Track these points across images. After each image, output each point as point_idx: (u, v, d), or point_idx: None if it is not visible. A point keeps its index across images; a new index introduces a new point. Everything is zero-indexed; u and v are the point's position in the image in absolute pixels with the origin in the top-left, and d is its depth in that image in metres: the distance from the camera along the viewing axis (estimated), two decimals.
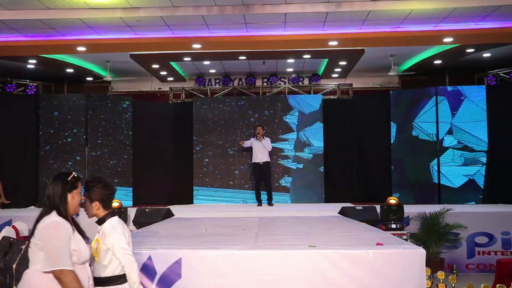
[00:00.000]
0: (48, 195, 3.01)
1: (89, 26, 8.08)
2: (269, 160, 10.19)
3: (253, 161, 10.20)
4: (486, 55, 10.47)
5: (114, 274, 3.24)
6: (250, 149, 10.50)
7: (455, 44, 9.33)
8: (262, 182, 10.18)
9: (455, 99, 10.30)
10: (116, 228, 3.30)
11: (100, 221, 3.37)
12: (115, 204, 7.90)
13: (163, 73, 11.91)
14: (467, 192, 10.03)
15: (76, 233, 3.00)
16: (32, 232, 2.95)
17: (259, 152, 10.03)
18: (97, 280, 3.22)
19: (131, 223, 7.85)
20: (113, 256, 3.23)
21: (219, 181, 11.13)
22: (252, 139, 10.28)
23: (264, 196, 10.21)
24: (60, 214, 2.96)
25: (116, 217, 3.40)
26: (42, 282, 2.85)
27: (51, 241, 2.86)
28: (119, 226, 3.33)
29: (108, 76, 11.30)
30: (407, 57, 10.89)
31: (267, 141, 10.10)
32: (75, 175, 3.11)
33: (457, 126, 10.23)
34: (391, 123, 10.70)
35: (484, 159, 10.07)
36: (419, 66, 11.23)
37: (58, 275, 2.82)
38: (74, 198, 3.07)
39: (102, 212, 3.37)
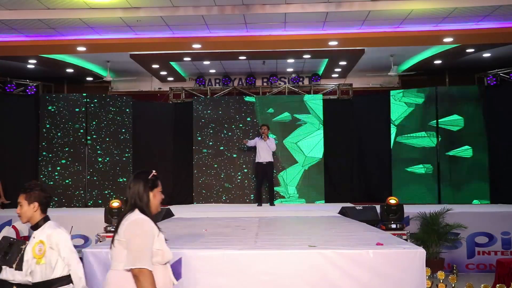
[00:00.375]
0: (130, 194, 2.95)
1: (89, 26, 8.08)
2: (273, 160, 10.17)
3: (256, 160, 10.18)
4: (486, 55, 10.47)
5: (62, 275, 3.25)
6: (250, 149, 10.50)
7: (455, 44, 9.32)
8: (265, 181, 10.16)
9: None
10: (60, 228, 3.35)
11: (36, 226, 3.35)
12: (115, 204, 7.89)
13: (163, 73, 11.90)
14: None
15: (160, 233, 2.92)
16: (115, 230, 2.88)
17: (263, 151, 10.00)
18: (44, 284, 3.20)
19: None
20: (59, 257, 3.25)
21: (219, 180, 11.12)
22: (256, 138, 10.24)
23: (265, 195, 10.21)
24: (143, 213, 2.90)
25: (52, 220, 3.42)
26: (127, 281, 2.76)
27: (135, 238, 2.77)
28: (61, 227, 3.37)
29: (108, 76, 11.30)
30: (407, 57, 10.89)
31: (271, 141, 10.07)
32: (155, 173, 3.05)
33: None
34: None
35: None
36: (419, 66, 11.23)
37: (136, 273, 2.72)
38: (155, 196, 3.01)
39: (38, 216, 3.35)
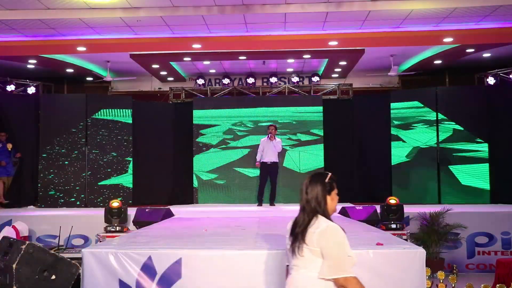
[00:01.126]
0: (308, 199, 2.83)
1: (89, 26, 8.08)
2: (277, 161, 10.10)
3: (261, 160, 10.11)
4: (486, 55, 10.47)
5: None
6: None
7: (455, 44, 9.33)
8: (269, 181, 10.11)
9: None
10: None
11: None
12: (115, 204, 7.91)
13: (163, 73, 11.91)
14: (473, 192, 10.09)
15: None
16: (298, 238, 2.77)
17: (268, 151, 9.92)
18: None
19: (131, 223, 7.86)
20: None
21: (220, 180, 11.12)
22: (262, 139, 10.17)
23: (266, 194, 10.17)
24: (326, 217, 2.82)
25: None
26: (316, 286, 2.71)
27: (333, 247, 2.70)
28: None
29: (108, 76, 11.30)
30: (407, 57, 10.89)
31: (278, 142, 10.00)
32: (332, 176, 2.92)
33: None
34: None
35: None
36: (419, 66, 11.23)
37: (342, 283, 2.66)
38: (333, 199, 2.89)
39: None
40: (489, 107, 10.23)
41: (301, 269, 2.77)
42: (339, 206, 8.28)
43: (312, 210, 2.81)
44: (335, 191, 2.90)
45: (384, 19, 7.94)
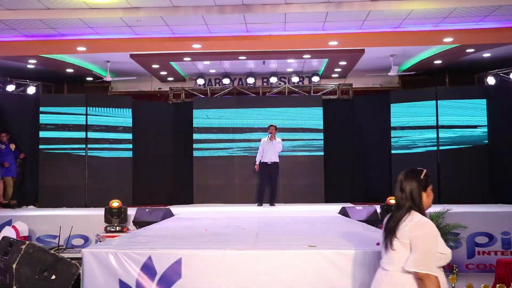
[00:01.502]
0: (403, 196, 2.87)
1: (89, 26, 8.08)
2: (278, 161, 10.09)
3: (262, 160, 10.10)
4: (486, 55, 10.46)
5: None
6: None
7: (455, 44, 9.33)
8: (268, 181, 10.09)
9: None
10: None
11: None
12: (115, 204, 7.91)
13: (163, 73, 11.91)
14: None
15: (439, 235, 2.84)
16: (393, 232, 2.81)
17: (269, 152, 9.92)
18: None
19: (131, 223, 7.86)
20: None
21: (219, 180, 11.12)
22: (262, 139, 10.15)
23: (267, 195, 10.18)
24: (421, 213, 2.84)
25: None
26: (407, 281, 2.75)
27: (421, 241, 2.72)
28: None
29: (108, 76, 11.29)
30: (407, 57, 10.89)
31: (278, 142, 9.98)
32: (427, 172, 2.93)
33: None
34: None
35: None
36: (419, 66, 11.23)
37: (422, 277, 2.69)
38: (429, 196, 2.91)
39: None
40: (489, 107, 10.24)
41: (392, 263, 2.81)
42: (339, 206, 8.29)
43: (407, 206, 2.84)
44: (430, 187, 2.93)
45: (384, 19, 7.94)
